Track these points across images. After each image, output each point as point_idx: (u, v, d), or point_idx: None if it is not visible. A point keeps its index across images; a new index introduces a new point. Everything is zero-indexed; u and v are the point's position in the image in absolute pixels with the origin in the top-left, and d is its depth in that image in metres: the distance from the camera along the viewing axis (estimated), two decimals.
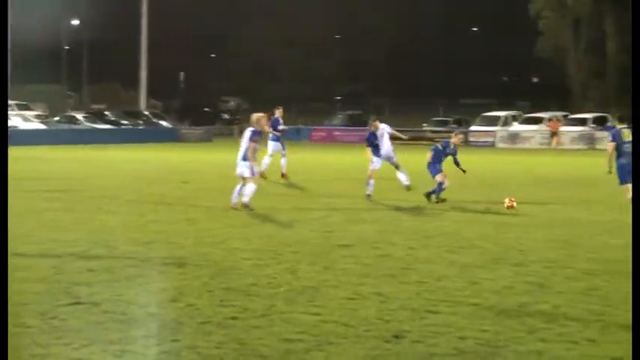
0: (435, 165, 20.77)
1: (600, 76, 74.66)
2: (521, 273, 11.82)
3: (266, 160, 26.99)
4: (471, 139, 59.46)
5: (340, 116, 70.68)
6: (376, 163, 21.87)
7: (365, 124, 68.65)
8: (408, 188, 21.90)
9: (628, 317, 9.33)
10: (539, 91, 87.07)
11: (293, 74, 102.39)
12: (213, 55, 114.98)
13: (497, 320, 9.28)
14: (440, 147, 21.05)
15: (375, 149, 21.89)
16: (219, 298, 10.11)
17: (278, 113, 27.99)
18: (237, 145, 19.60)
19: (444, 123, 65.67)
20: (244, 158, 18.61)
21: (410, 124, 65.45)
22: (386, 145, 21.98)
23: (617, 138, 17.93)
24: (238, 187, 18.74)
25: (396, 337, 8.65)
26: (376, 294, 10.49)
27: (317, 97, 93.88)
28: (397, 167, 22.22)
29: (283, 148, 27.20)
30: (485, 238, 14.95)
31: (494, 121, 61.60)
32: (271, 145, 27.36)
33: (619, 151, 17.77)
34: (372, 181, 21.69)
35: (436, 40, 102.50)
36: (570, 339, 8.58)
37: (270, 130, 26.53)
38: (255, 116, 19.18)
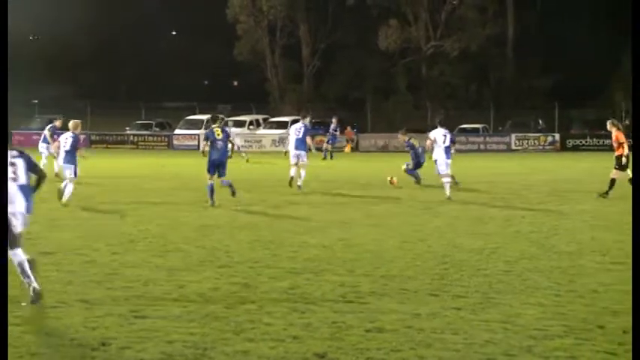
0: None
1: (296, 79, 77.06)
2: (226, 274, 11.96)
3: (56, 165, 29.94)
4: (176, 142, 59.62)
5: (39, 120, 68.11)
6: None
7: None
8: None
9: (328, 314, 9.70)
10: (240, 94, 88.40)
11: None
12: None
13: (204, 322, 9.33)
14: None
15: None
16: None
17: (58, 123, 31.06)
18: None
19: (147, 126, 65.19)
20: (66, 161, 21.33)
21: (112, 128, 64.44)
22: None
23: (210, 136, 21.33)
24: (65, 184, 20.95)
25: (103, 344, 8.49)
26: (81, 301, 10.24)
27: (10, 101, 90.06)
28: None
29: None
30: (190, 241, 15.00)
31: (197, 124, 61.87)
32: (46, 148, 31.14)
33: (212, 147, 21.20)
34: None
35: (134, 43, 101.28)
36: (275, 337, 8.78)
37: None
38: (73, 122, 21.98)
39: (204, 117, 64.49)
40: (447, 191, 22.44)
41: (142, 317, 9.52)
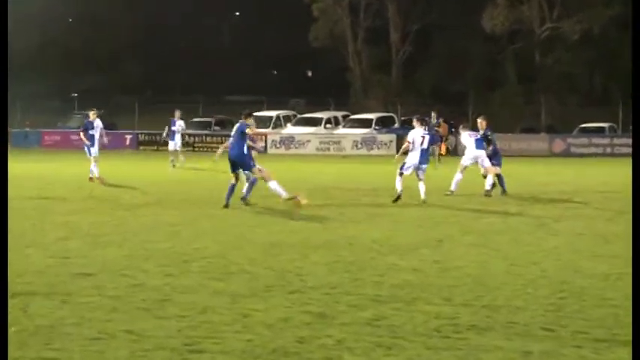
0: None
1: (383, 69, 76.87)
2: (298, 302, 11.99)
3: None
4: None
5: (79, 117, 69.14)
6: None
7: (111, 126, 67.90)
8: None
9: (421, 351, 9.68)
10: (316, 86, 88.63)
11: (17, 67, 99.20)
12: None
13: (272, 359, 9.38)
14: None
15: None
16: None
17: (92, 116, 31.90)
18: None
19: (205, 125, 65.43)
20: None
21: (164, 127, 64.81)
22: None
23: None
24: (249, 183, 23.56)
25: None
26: (127, 332, 10.37)
27: (48, 94, 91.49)
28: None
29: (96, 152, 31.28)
30: (256, 262, 15.08)
31: (264, 122, 61.84)
32: (88, 149, 31.54)
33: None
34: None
35: (190, 27, 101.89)
36: None
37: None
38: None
39: (274, 113, 64.75)
40: (398, 187, 24.42)
41: (199, 352, 9.61)
